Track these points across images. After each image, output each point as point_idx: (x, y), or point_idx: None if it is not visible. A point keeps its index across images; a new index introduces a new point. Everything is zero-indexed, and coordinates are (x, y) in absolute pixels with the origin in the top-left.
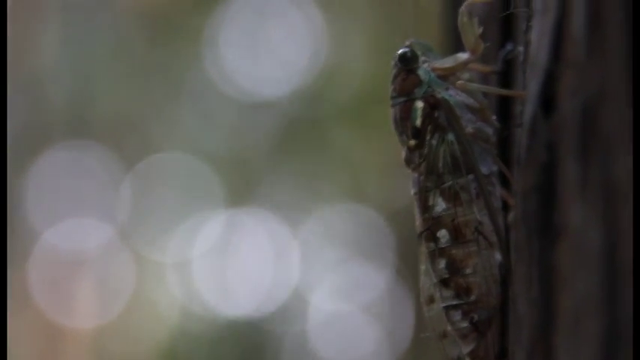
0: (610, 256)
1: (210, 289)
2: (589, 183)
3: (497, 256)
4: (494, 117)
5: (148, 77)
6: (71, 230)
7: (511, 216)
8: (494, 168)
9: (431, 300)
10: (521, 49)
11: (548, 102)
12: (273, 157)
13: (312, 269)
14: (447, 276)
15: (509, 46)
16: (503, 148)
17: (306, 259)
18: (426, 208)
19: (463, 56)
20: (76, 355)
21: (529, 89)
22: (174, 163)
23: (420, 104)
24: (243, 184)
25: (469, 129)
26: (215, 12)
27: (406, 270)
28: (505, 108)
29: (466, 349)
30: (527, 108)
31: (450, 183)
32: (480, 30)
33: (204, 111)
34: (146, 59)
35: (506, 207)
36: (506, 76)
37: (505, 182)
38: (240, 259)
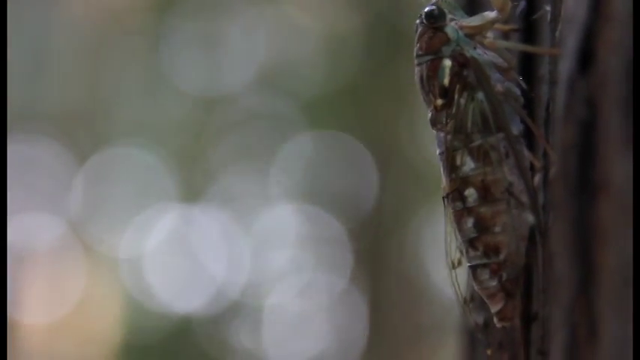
0: None
1: (163, 285)
2: (632, 138)
3: (529, 217)
4: (520, 77)
5: (101, 71)
6: (22, 225)
7: (537, 178)
8: (522, 128)
9: (455, 264)
10: (548, 8)
11: (586, 58)
12: (228, 153)
13: (265, 267)
14: (474, 235)
15: (523, 4)
16: (530, 109)
17: (260, 257)
18: (453, 167)
19: (491, 15)
20: (26, 351)
21: (566, 46)
22: (127, 158)
23: (448, 62)
24: (197, 180)
25: (498, 88)
26: (171, 6)
27: (361, 270)
28: (528, 68)
29: (494, 308)
30: (563, 65)
31: (480, 142)
32: None
33: (158, 105)
34: (100, 53)
35: (532, 169)
36: (528, 35)
37: (530, 144)
38: (194, 255)
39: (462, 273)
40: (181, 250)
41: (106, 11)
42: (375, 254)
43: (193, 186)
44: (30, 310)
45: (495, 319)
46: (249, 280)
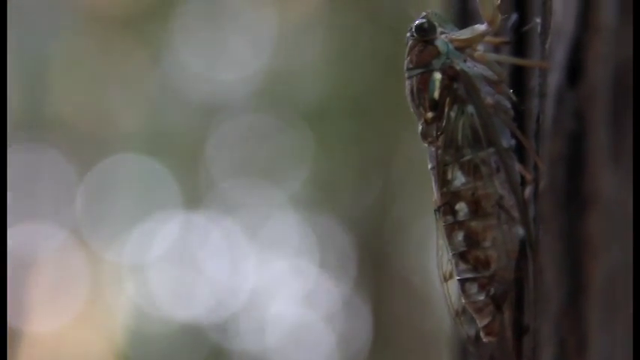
0: None
1: (167, 291)
2: (621, 151)
3: (519, 231)
4: (510, 90)
5: (103, 79)
6: (26, 233)
7: (527, 190)
8: (513, 142)
9: (447, 277)
10: (538, 20)
11: (575, 70)
12: (230, 160)
13: (268, 274)
14: (464, 249)
15: (515, 17)
16: (520, 121)
17: (264, 265)
18: (444, 182)
19: (480, 27)
20: (31, 358)
21: (555, 58)
22: (131, 166)
23: (438, 76)
24: (200, 187)
25: (489, 101)
26: (172, 15)
27: (364, 279)
28: (519, 81)
29: (481, 322)
30: (552, 77)
31: (470, 156)
32: (499, 0)
33: (160, 113)
34: (101, 61)
35: (522, 182)
36: (519, 47)
37: (520, 157)
38: (197, 262)
39: (454, 285)
40: (184, 258)
41: (107, 19)
42: (378, 263)
43: (196, 193)
44: (33, 319)
45: (482, 334)
46: (252, 288)
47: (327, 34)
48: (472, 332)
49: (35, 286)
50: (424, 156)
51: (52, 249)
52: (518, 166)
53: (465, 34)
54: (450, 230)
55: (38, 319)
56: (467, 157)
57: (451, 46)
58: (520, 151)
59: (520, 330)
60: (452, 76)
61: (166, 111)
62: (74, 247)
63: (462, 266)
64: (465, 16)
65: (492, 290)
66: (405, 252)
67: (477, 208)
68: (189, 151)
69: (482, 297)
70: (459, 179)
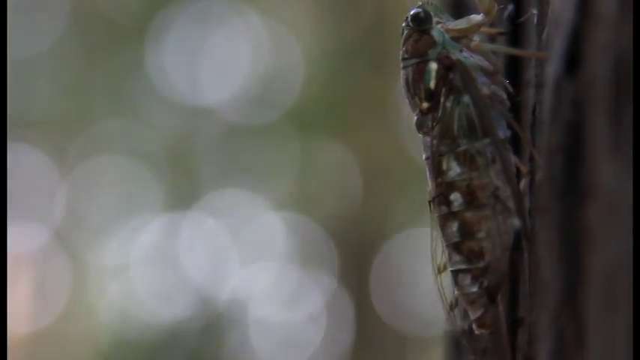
0: None
1: (150, 293)
2: (621, 142)
3: (515, 222)
4: (507, 81)
5: (88, 80)
6: (8, 234)
7: (523, 183)
8: (509, 133)
9: (441, 269)
10: (534, 11)
11: (573, 60)
12: (215, 163)
13: (252, 275)
14: (458, 239)
15: (511, 7)
16: (516, 112)
17: (247, 265)
18: (439, 172)
19: (477, 18)
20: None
21: (553, 47)
22: (114, 167)
23: (434, 65)
24: (184, 190)
25: (485, 91)
26: (156, 17)
27: (347, 279)
28: (515, 72)
29: (474, 315)
30: (550, 67)
31: (466, 147)
32: None
33: (144, 115)
34: (86, 63)
35: (518, 174)
36: (515, 38)
37: (516, 149)
38: (180, 264)
39: (447, 278)
40: (167, 259)
41: (93, 22)
42: (361, 263)
43: (180, 195)
44: (15, 319)
45: (474, 326)
46: (235, 290)
47: (314, 36)
48: (465, 325)
49: (16, 286)
50: (407, 153)
51: (34, 249)
52: (513, 158)
53: (461, 24)
54: (445, 221)
55: (19, 320)
56: (462, 148)
57: (447, 36)
58: (516, 143)
59: (514, 323)
60: (448, 66)
61: (151, 112)
62: (56, 248)
63: (456, 257)
64: (460, 7)
65: (486, 282)
66: (389, 251)
67: (472, 199)
68: (172, 153)
69: (475, 288)
70: (454, 170)
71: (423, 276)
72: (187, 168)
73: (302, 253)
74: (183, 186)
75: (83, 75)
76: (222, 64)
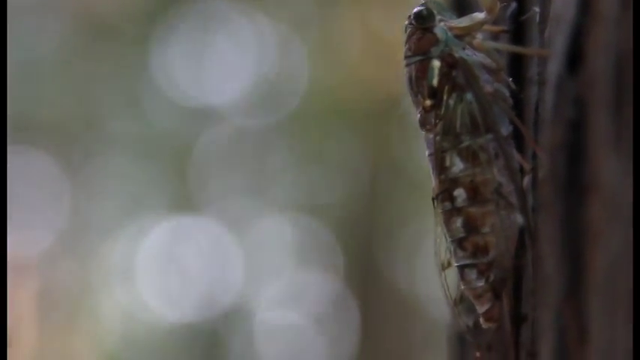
0: None
1: (155, 295)
2: (622, 138)
3: (518, 218)
4: (510, 79)
5: (92, 82)
6: (12, 237)
7: (525, 180)
8: (511, 129)
9: (445, 265)
10: (537, 9)
11: (575, 58)
12: (219, 164)
13: (257, 276)
14: (463, 235)
15: (514, 5)
16: (519, 110)
17: (252, 266)
18: (442, 169)
19: (479, 16)
20: None
21: (555, 45)
22: (118, 169)
23: (437, 63)
24: (188, 191)
25: (488, 89)
26: (161, 19)
27: (353, 279)
28: (517, 70)
29: (481, 309)
30: (552, 65)
31: (469, 143)
32: None
33: (149, 117)
34: (90, 65)
35: (521, 171)
36: (518, 36)
37: (519, 146)
38: (185, 265)
39: (452, 274)
40: (173, 261)
41: (96, 23)
42: (366, 264)
43: (184, 197)
44: (20, 322)
45: (482, 320)
46: (241, 290)
47: (315, 37)
48: (470, 321)
49: (21, 290)
50: (414, 153)
51: (40, 252)
52: (516, 155)
53: (464, 21)
54: (449, 217)
55: (25, 324)
56: (465, 144)
57: (450, 34)
58: (518, 140)
59: (518, 319)
60: (451, 64)
61: (155, 114)
62: (62, 251)
63: (461, 253)
64: (463, 5)
65: (492, 276)
66: (395, 252)
67: (475, 195)
68: (177, 154)
69: (481, 283)
70: (457, 166)
71: (430, 275)
72: (193, 170)
73: (308, 252)
74: (188, 188)
75: (88, 77)
76: (228, 65)
